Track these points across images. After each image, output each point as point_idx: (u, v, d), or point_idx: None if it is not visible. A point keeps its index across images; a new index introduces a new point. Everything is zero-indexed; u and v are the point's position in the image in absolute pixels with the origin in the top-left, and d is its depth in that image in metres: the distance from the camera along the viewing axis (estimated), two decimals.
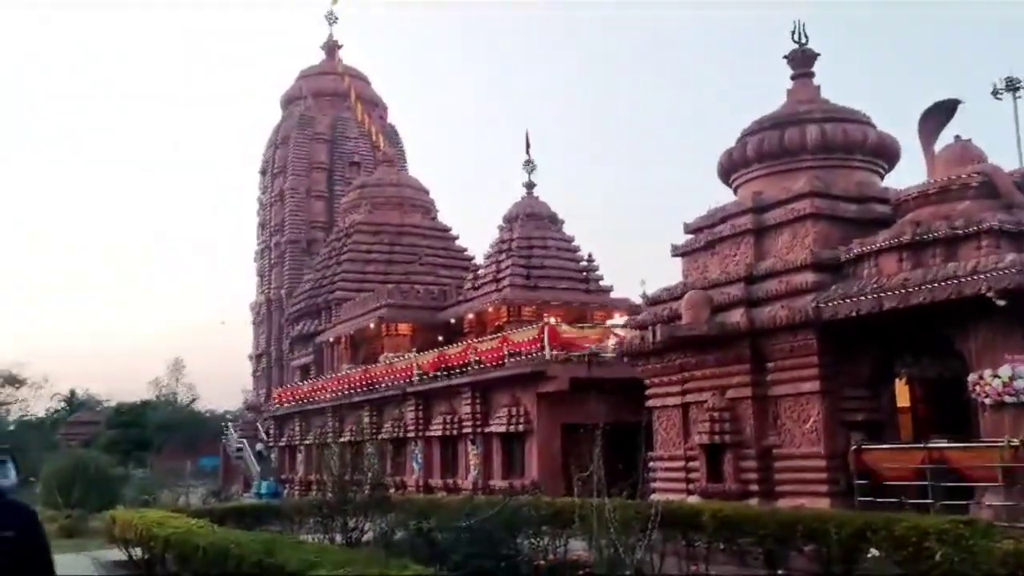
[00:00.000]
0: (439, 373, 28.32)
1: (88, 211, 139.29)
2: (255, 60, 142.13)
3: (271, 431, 45.29)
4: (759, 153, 16.08)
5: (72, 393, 71.86)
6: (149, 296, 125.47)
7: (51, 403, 71.74)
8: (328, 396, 35.69)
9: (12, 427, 67.22)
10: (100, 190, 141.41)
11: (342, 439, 23.46)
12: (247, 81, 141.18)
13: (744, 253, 15.43)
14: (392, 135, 57.90)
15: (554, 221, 35.03)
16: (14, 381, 70.26)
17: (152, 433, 54.13)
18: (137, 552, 14.40)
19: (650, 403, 16.96)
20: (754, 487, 14.30)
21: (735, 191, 17.01)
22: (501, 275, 32.97)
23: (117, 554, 15.65)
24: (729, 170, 16.90)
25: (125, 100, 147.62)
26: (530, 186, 34.79)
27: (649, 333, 16.19)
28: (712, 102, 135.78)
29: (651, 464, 16.30)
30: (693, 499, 14.74)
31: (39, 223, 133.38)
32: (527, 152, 34.48)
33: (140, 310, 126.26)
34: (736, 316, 14.61)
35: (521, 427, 24.27)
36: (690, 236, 16.92)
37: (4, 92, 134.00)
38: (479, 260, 38.95)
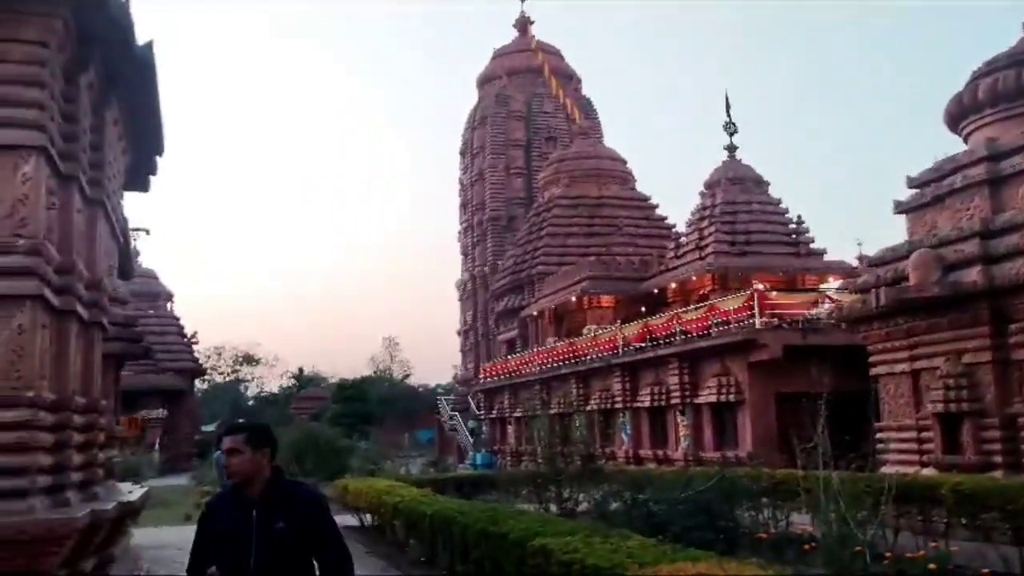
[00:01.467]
0: (644, 344, 28.13)
1: (299, 197, 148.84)
2: (454, 44, 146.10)
3: (481, 404, 46.75)
4: (993, 95, 14.72)
5: (300, 370, 77.40)
6: (362, 278, 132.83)
7: (282, 380, 77.66)
8: (535, 369, 36.35)
9: (251, 402, 73.45)
10: (304, 174, 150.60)
11: (550, 411, 23.85)
12: (448, 66, 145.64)
13: (978, 206, 14.21)
14: (587, 107, 57.81)
15: (759, 184, 33.73)
16: (250, 360, 76.76)
17: (372, 407, 57.26)
18: (368, 518, 15.32)
19: (874, 371, 16.04)
20: (997, 458, 13.23)
21: (965, 139, 15.66)
22: (704, 243, 32.19)
23: (350, 520, 16.73)
24: (958, 117, 15.57)
25: (347, 94, 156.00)
26: (731, 149, 33.68)
27: (872, 297, 15.27)
28: (927, 46, 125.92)
29: (879, 435, 15.44)
30: (928, 471, 13.83)
31: (267, 212, 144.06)
32: (727, 114, 33.40)
33: (354, 291, 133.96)
34: (972, 275, 13.50)
35: (732, 397, 23.71)
36: (914, 191, 15.77)
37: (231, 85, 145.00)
38: (680, 228, 38.26)
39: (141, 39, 7.86)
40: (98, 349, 8.48)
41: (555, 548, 6.20)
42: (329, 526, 3.69)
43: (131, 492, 9.69)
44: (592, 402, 30.44)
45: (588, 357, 31.65)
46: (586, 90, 60.30)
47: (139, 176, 11.55)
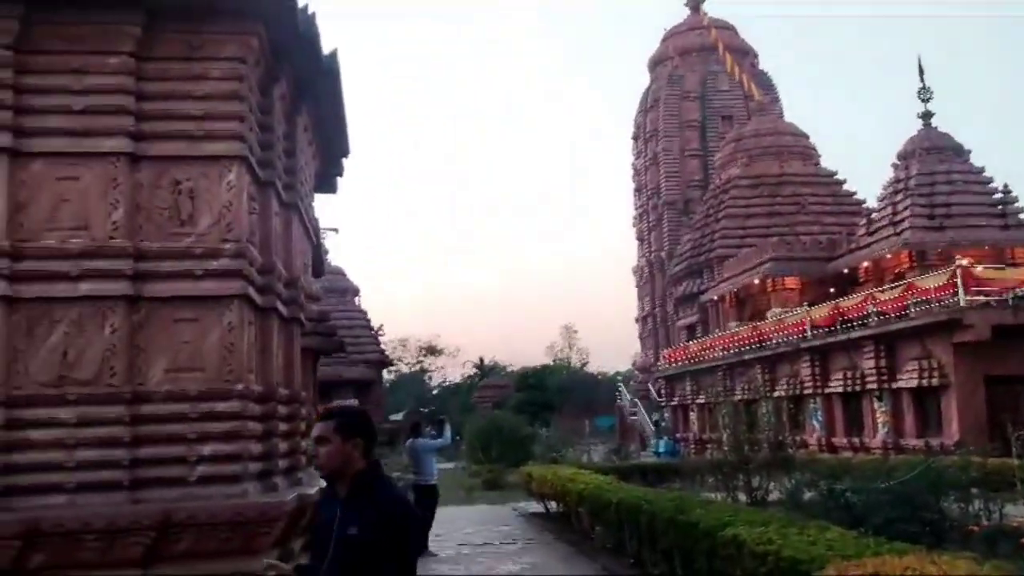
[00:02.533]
0: (835, 327, 26.93)
1: (475, 189, 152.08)
2: (623, 29, 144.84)
3: (662, 391, 46.26)
4: None
5: (481, 360, 79.32)
6: (538, 267, 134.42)
7: (464, 370, 79.86)
8: (717, 355, 35.60)
9: (435, 391, 76.00)
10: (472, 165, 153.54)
11: (735, 397, 23.27)
12: (618, 50, 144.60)
13: None
14: (765, 82, 55.83)
15: (959, 153, 31.40)
16: (433, 351, 79.37)
17: (553, 395, 57.87)
18: (552, 505, 15.52)
19: None
20: None
21: None
22: (899, 217, 30.36)
23: (534, 506, 17.02)
24: None
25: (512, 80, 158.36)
26: (927, 116, 31.53)
27: None
28: None
29: None
30: None
31: (442, 206, 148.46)
32: (921, 79, 31.23)
33: (531, 280, 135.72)
34: None
35: (935, 381, 22.28)
36: None
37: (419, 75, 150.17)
38: (871, 204, 36.28)
39: (326, 48, 8.29)
40: (297, 344, 9.03)
41: (748, 539, 6.06)
42: (402, 548, 3.16)
43: None
44: (779, 388, 29.49)
45: (774, 341, 30.65)
46: (763, 64, 58.39)
47: (327, 178, 12.19)
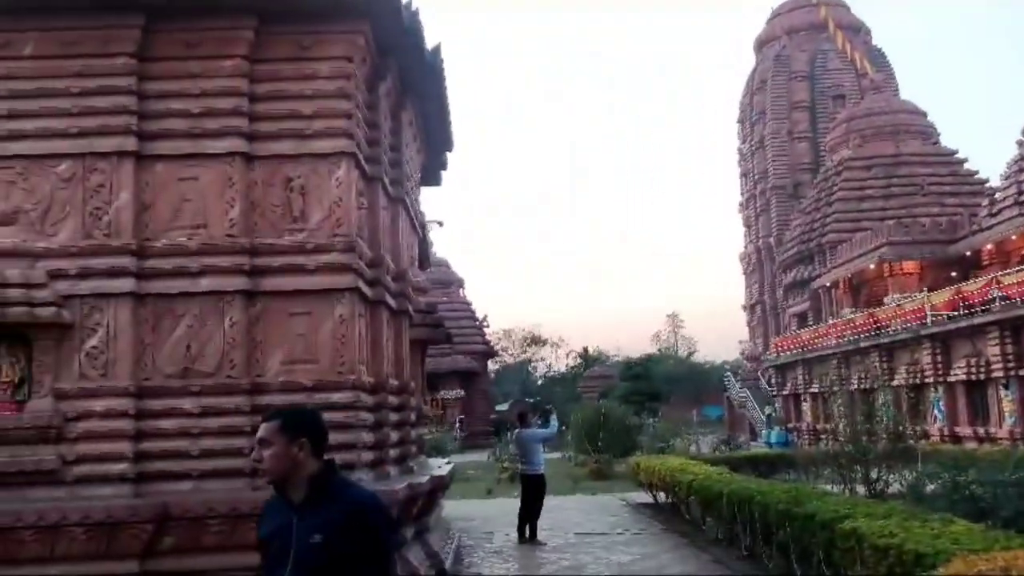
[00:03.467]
0: (957, 312, 25.75)
1: (575, 178, 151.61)
2: (728, 9, 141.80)
3: (772, 380, 45.21)
4: None
5: (585, 350, 79.11)
6: (641, 254, 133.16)
7: (568, 360, 79.85)
8: (831, 343, 34.53)
9: (540, 381, 76.28)
10: (590, 154, 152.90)
11: (850, 386, 22.55)
12: (721, 32, 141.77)
13: None
14: (879, 59, 53.67)
15: None
16: (537, 341, 79.66)
17: (659, 384, 57.29)
18: (661, 496, 15.36)
19: None
20: None
21: None
22: None
23: (642, 497, 16.88)
24: None
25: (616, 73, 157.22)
26: None
27: None
28: None
29: None
30: None
31: (544, 195, 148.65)
32: None
33: (634, 268, 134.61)
34: None
35: None
36: None
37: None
38: (994, 183, 34.49)
39: (430, 43, 8.41)
40: (406, 335, 9.21)
41: (868, 531, 5.86)
42: (376, 548, 2.89)
43: (440, 467, 10.45)
44: (898, 376, 28.40)
45: (891, 328, 29.52)
46: (877, 41, 56.10)
47: (432, 171, 12.38)
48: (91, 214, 6.84)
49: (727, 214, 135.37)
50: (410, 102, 9.34)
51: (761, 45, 58.61)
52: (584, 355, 78.35)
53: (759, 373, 50.14)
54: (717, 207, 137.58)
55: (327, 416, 6.72)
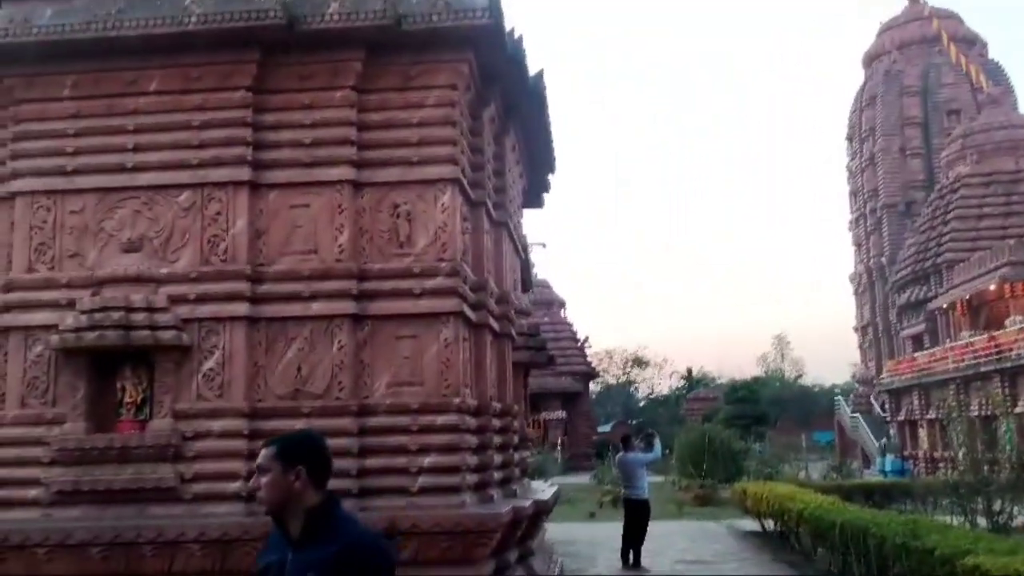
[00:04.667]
0: None
1: (675, 195, 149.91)
2: (837, 25, 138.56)
3: (886, 405, 43.54)
4: None
5: (689, 371, 77.88)
6: (748, 274, 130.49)
7: (671, 381, 78.74)
8: (948, 367, 33.09)
9: (642, 403, 75.44)
10: (687, 170, 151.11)
11: (970, 413, 21.53)
12: (829, 48, 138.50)
13: None
14: (995, 73, 51.49)
15: None
16: (640, 362, 78.83)
17: (765, 408, 55.89)
18: (770, 524, 14.95)
19: None
20: None
21: None
22: None
23: (749, 524, 16.46)
24: None
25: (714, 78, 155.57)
26: None
27: None
28: None
29: None
30: None
31: (642, 215, 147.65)
32: None
33: (741, 288, 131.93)
34: None
35: None
36: None
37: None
38: None
39: (532, 68, 8.50)
40: (509, 358, 9.27)
41: (992, 568, 5.60)
42: None
43: (543, 490, 10.44)
44: (1021, 403, 26.98)
45: (1014, 353, 28.09)
46: (993, 54, 53.93)
47: (535, 194, 12.46)
48: (209, 241, 7.15)
49: (836, 234, 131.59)
50: (513, 127, 9.45)
51: (871, 60, 56.99)
52: (688, 377, 77.16)
53: (872, 397, 48.38)
54: (826, 227, 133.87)
55: (432, 439, 6.91)
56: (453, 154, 7.43)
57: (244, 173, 7.21)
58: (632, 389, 79.69)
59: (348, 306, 7.08)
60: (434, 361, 7.15)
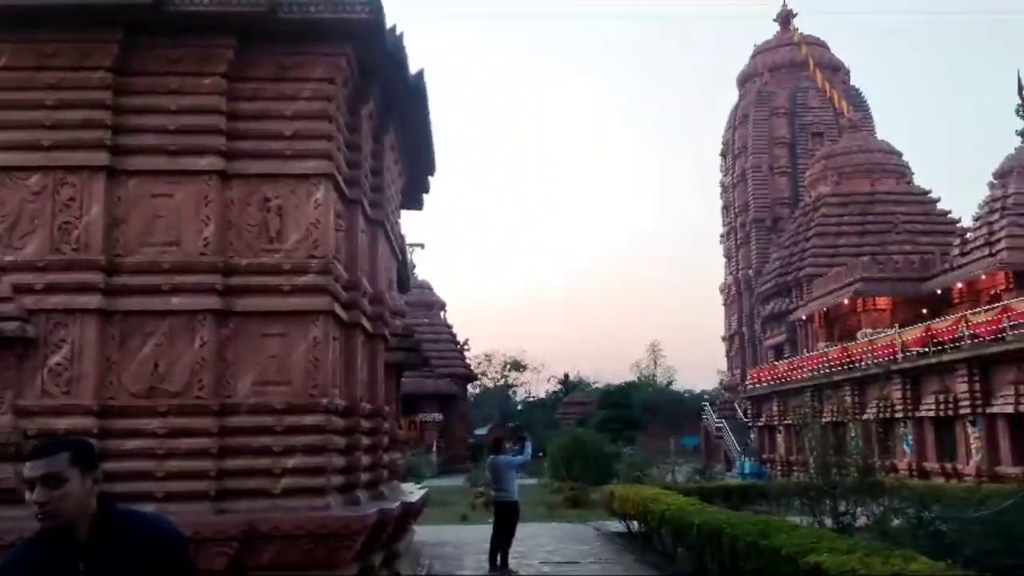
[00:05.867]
0: (927, 349, 26.00)
1: (561, 204, 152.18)
2: (712, 45, 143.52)
3: (748, 411, 45.37)
4: None
5: (566, 376, 79.00)
6: (625, 284, 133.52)
7: (548, 385, 79.70)
8: (805, 375, 34.75)
9: (520, 406, 76.05)
10: (568, 182, 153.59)
11: (823, 419, 22.62)
12: (706, 67, 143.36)
13: None
14: (856, 99, 54.49)
15: None
16: (518, 366, 79.49)
17: (637, 413, 57.28)
18: (635, 525, 15.32)
19: None
20: None
21: None
22: (995, 237, 29.25)
23: (616, 526, 16.83)
24: None
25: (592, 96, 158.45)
26: None
27: None
28: None
29: None
30: None
31: (529, 221, 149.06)
32: (1020, 96, 30.07)
33: (617, 297, 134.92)
34: None
35: None
36: None
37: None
38: (966, 223, 35.05)
39: (413, 68, 8.45)
40: (381, 359, 9.18)
41: (831, 566, 5.89)
42: (183, 571, 2.56)
43: (412, 492, 10.38)
44: (869, 411, 28.59)
45: (864, 363, 29.76)
46: (855, 81, 57.01)
47: (414, 195, 12.39)
48: (60, 228, 6.77)
49: (709, 246, 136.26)
50: (393, 125, 9.36)
51: (744, 80, 59.36)
52: (564, 381, 78.24)
53: (736, 404, 50.32)
54: (700, 239, 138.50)
55: (298, 440, 6.75)
56: (328, 149, 7.30)
57: (101, 158, 6.86)
58: (510, 392, 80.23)
59: (212, 301, 6.84)
60: (302, 360, 6.99)
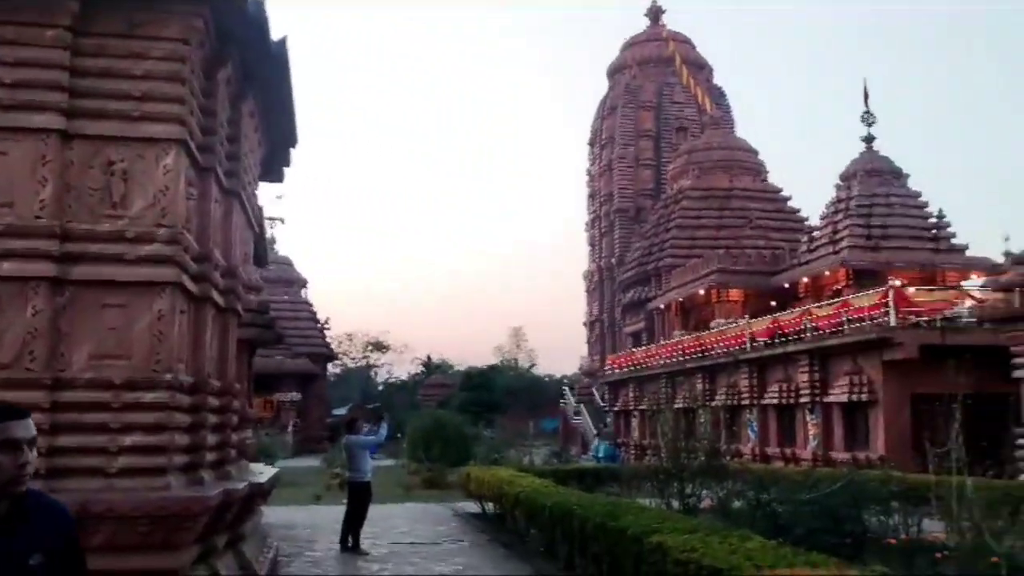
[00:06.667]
0: (773, 340, 27.37)
1: (428, 186, 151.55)
2: (584, 35, 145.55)
3: (606, 396, 46.58)
4: None
5: (428, 358, 78.99)
6: (490, 267, 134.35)
7: (411, 367, 79.49)
8: (660, 362, 35.95)
9: (381, 387, 75.53)
10: (436, 168, 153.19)
11: (675, 405, 23.50)
12: (578, 57, 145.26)
13: None
14: (719, 97, 56.58)
15: (897, 176, 32.23)
16: (380, 346, 78.91)
17: (498, 396, 57.87)
18: (490, 507, 15.50)
19: (1017, 373, 15.08)
20: None
21: None
22: (839, 236, 31.03)
23: (472, 507, 16.97)
24: None
25: (461, 83, 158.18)
26: (869, 140, 32.30)
27: (1017, 296, 14.36)
28: None
29: (1019, 441, 14.51)
30: None
31: (396, 202, 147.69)
32: (865, 104, 32.02)
33: (482, 280, 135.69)
34: None
35: (864, 396, 22.78)
36: None
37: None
38: (814, 221, 37.04)
39: (276, 35, 8.16)
40: (233, 334, 8.87)
41: (672, 546, 6.11)
42: (82, 558, 2.58)
43: (262, 473, 10.11)
44: (718, 397, 29.88)
45: (715, 352, 31.05)
46: (718, 79, 59.20)
47: (274, 167, 12.00)
48: None
49: (575, 233, 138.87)
50: (252, 93, 9.02)
51: (614, 72, 60.56)
52: (427, 363, 78.15)
53: (594, 389, 51.54)
54: (566, 226, 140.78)
55: (137, 417, 6.45)
56: (181, 113, 6.96)
57: None
58: (372, 373, 79.56)
59: (46, 268, 6.41)
60: (145, 334, 6.66)
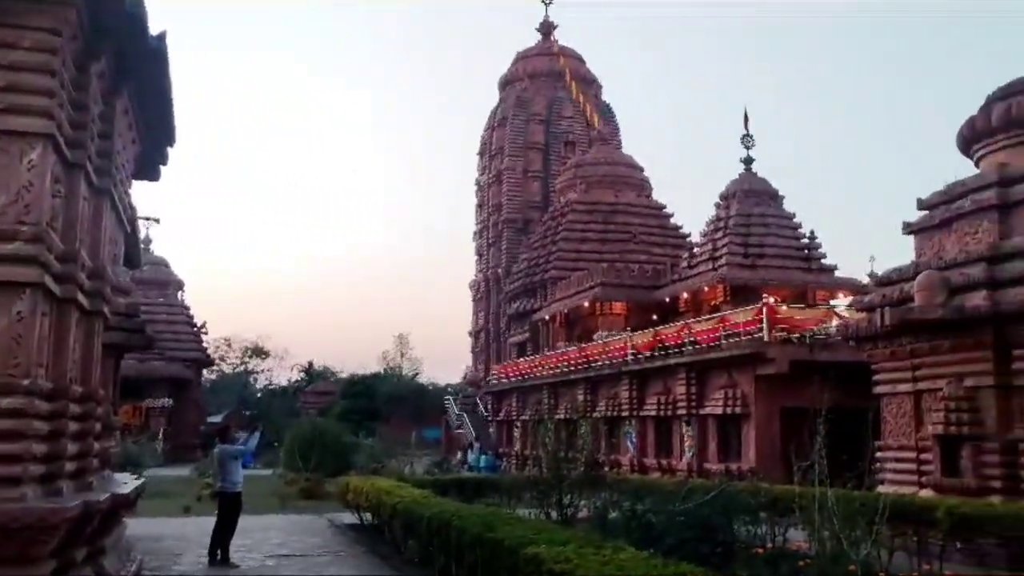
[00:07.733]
0: (654, 353, 28.05)
1: (315, 192, 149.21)
2: (476, 46, 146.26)
3: (490, 405, 46.72)
4: (1006, 121, 14.54)
5: (310, 364, 77.42)
6: (375, 275, 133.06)
7: (291, 373, 77.72)
8: (544, 373, 36.30)
9: (259, 394, 73.60)
10: (323, 171, 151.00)
11: (557, 416, 23.78)
12: (469, 67, 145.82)
13: (987, 231, 14.05)
14: (606, 113, 57.76)
15: (773, 198, 33.61)
16: (260, 352, 76.81)
17: (381, 404, 57.26)
18: (368, 517, 15.30)
19: (878, 389, 15.92)
20: (996, 483, 13.07)
21: (976, 164, 15.54)
22: (718, 253, 32.11)
23: (350, 517, 16.71)
24: (971, 140, 15.41)
25: (351, 88, 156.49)
26: (748, 162, 33.58)
27: (878, 316, 15.15)
28: (947, 69, 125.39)
29: (878, 454, 15.32)
30: (925, 493, 13.71)
31: (280, 207, 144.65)
32: (745, 127, 33.27)
33: (367, 287, 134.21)
34: (977, 299, 13.34)
35: (738, 410, 23.61)
36: (924, 213, 15.63)
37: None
38: (695, 238, 38.21)
39: (154, 30, 7.88)
40: (98, 338, 8.49)
41: (547, 557, 6.17)
42: None
43: (126, 483, 9.70)
44: (599, 409, 30.37)
45: (598, 363, 31.57)
46: (606, 96, 60.37)
47: (150, 165, 11.57)
48: None
49: (462, 243, 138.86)
50: (127, 89, 8.68)
51: (505, 84, 61.03)
52: (308, 370, 76.58)
53: (478, 398, 51.63)
54: (454, 235, 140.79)
55: None
56: (49, 107, 6.64)
57: None
58: (251, 379, 77.42)
59: None
60: (3, 337, 6.31)
